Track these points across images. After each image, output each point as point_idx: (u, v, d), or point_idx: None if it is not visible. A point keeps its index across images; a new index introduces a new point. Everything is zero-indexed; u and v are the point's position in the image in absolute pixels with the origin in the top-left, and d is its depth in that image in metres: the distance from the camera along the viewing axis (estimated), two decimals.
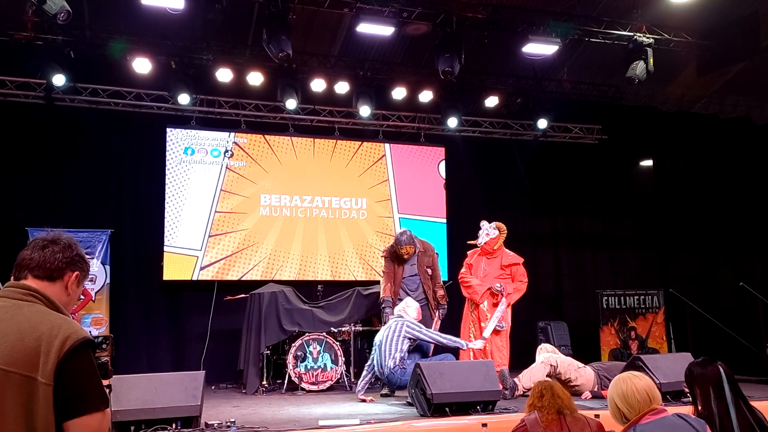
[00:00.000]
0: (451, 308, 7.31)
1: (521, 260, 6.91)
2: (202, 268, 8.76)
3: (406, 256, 7.12)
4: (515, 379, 6.36)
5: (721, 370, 2.96)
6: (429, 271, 7.19)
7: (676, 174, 11.13)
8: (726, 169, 10.65)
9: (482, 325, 6.62)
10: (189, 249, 8.73)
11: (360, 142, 9.72)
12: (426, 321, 6.90)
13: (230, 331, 8.43)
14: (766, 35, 8.29)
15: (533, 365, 6.47)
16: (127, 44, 8.12)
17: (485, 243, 6.81)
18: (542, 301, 10.45)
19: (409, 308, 6.57)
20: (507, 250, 6.92)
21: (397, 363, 6.21)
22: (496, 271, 6.77)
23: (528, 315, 9.26)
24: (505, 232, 6.92)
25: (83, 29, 8.05)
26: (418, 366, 5.39)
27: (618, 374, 2.86)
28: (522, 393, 6.19)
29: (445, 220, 9.92)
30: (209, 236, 8.85)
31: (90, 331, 6.89)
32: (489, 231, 6.82)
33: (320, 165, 9.51)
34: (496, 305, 6.63)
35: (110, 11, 8.16)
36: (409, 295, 7.00)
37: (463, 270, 6.94)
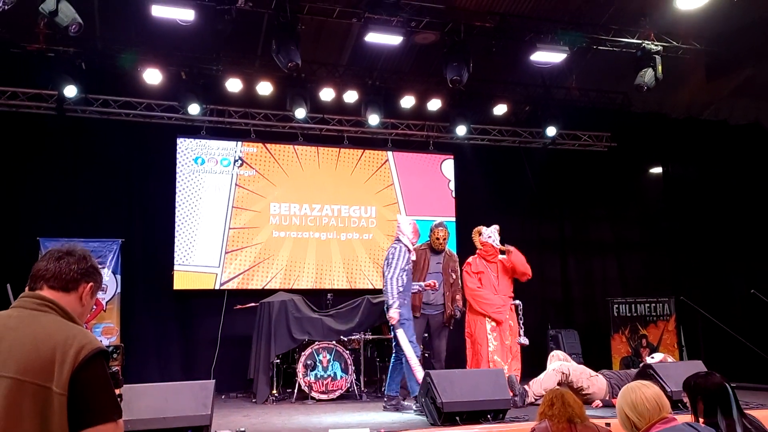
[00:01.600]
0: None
1: (512, 248, 6.88)
2: (222, 284, 8.84)
3: (440, 240, 6.78)
4: (525, 387, 6.34)
5: (726, 384, 2.94)
6: (453, 275, 6.86)
7: (686, 181, 11.08)
8: (736, 175, 10.59)
9: (507, 343, 6.58)
10: (207, 267, 8.82)
11: (362, 149, 9.78)
12: (438, 329, 6.82)
13: (240, 339, 8.46)
14: None
15: (544, 372, 6.46)
16: (138, 55, 8.22)
17: (495, 246, 6.80)
18: (551, 307, 10.42)
19: (404, 226, 6.44)
20: None
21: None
22: (503, 276, 6.79)
23: (537, 322, 9.22)
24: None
25: (94, 41, 8.15)
26: (428, 374, 5.39)
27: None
28: (533, 401, 6.17)
29: (454, 219, 9.89)
30: (225, 253, 8.93)
31: (101, 341, 6.92)
32: (493, 234, 6.84)
33: (326, 174, 9.57)
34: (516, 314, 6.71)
35: (121, 23, 8.24)
36: (421, 297, 6.73)
37: (472, 283, 6.72)
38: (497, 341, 6.58)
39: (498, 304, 6.65)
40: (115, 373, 2.02)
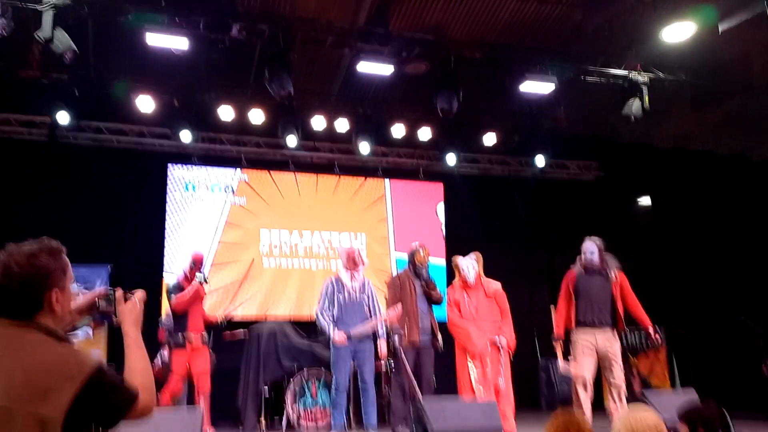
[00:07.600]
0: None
1: (499, 283, 6.58)
2: None
3: (425, 261, 6.63)
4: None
5: (723, 411, 2.95)
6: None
7: (674, 210, 11.17)
8: (724, 204, 10.70)
9: (487, 370, 6.19)
10: None
11: (362, 180, 9.84)
12: (426, 356, 6.57)
13: (228, 368, 8.34)
14: (758, 74, 8.43)
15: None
16: (131, 83, 8.25)
17: (476, 278, 6.41)
18: (541, 338, 10.37)
19: (341, 254, 6.52)
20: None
21: None
22: (483, 304, 6.38)
23: (526, 352, 9.19)
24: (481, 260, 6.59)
25: (88, 68, 8.18)
26: (420, 402, 5.35)
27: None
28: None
29: (444, 262, 9.85)
30: (212, 265, 8.83)
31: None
32: (473, 265, 6.43)
33: (322, 201, 9.59)
34: (498, 351, 6.29)
35: (115, 51, 8.28)
36: (419, 324, 6.49)
37: (453, 313, 6.40)
38: (478, 368, 6.20)
39: (475, 334, 6.25)
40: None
